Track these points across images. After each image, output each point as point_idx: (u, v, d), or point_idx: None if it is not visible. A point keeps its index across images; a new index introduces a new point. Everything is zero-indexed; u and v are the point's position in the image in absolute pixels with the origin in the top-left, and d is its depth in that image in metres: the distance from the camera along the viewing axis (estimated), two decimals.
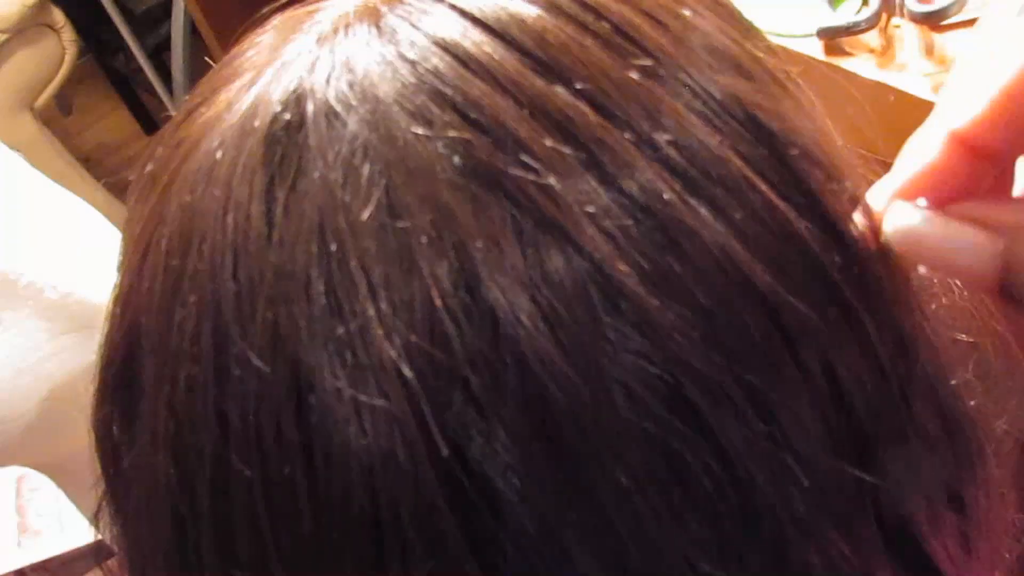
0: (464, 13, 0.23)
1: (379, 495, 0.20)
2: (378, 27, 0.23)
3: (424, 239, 0.20)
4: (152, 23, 1.96)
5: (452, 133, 0.21)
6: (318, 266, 0.20)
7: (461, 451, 0.19)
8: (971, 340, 0.28)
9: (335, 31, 0.24)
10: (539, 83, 0.22)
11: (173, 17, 1.78)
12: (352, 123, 0.21)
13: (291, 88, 0.23)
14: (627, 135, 0.21)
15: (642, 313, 0.20)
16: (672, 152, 0.21)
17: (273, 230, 0.21)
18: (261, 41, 0.26)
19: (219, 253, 0.22)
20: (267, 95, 0.23)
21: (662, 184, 0.21)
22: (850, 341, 0.22)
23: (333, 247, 0.20)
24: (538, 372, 0.19)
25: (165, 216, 0.24)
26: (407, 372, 0.19)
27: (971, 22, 0.64)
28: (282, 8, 0.29)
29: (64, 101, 2.10)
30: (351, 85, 0.22)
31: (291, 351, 0.20)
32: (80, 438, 0.31)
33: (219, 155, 0.23)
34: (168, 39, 1.84)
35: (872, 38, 0.68)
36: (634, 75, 0.22)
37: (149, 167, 0.26)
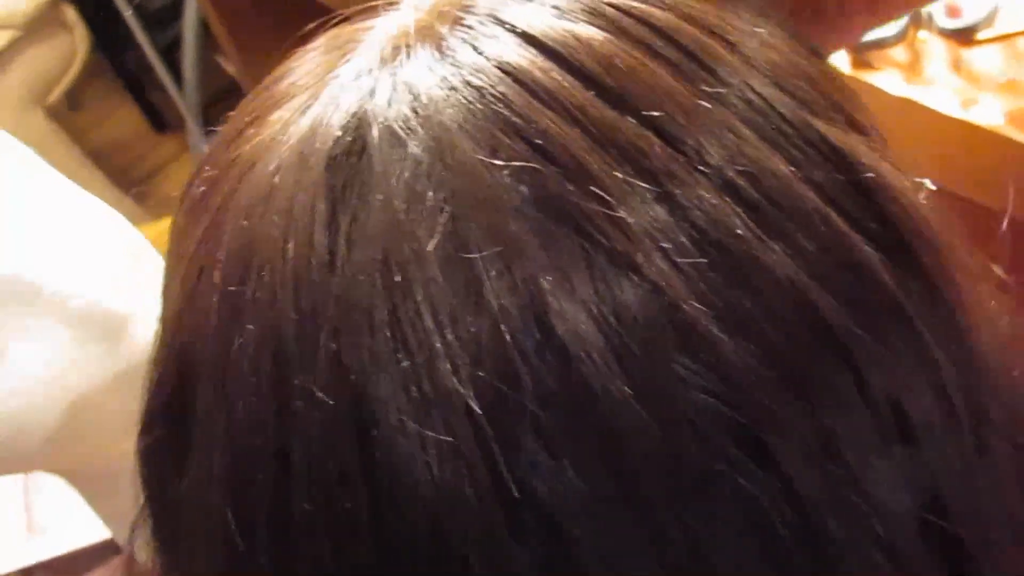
0: (529, 38, 0.22)
1: (446, 534, 0.19)
2: (440, 50, 0.23)
3: (492, 272, 0.20)
4: (163, 21, 1.96)
5: (520, 163, 0.20)
6: (382, 297, 0.20)
7: (530, 489, 0.19)
8: None
9: (395, 53, 0.23)
10: (608, 113, 0.21)
11: (184, 16, 1.78)
12: (416, 149, 0.21)
13: (351, 111, 0.22)
14: (698, 166, 0.21)
15: (714, 351, 0.20)
16: (743, 183, 0.21)
17: (336, 259, 0.21)
18: (311, 60, 0.26)
19: (280, 281, 0.21)
20: (326, 118, 0.23)
21: (734, 217, 0.20)
22: (919, 374, 0.22)
23: (398, 278, 0.20)
24: (608, 409, 0.19)
25: (220, 239, 0.23)
26: (475, 407, 0.19)
27: (1002, 38, 0.63)
28: (324, 23, 0.28)
29: (75, 98, 2.10)
30: (415, 110, 0.22)
31: (355, 384, 0.20)
32: (103, 446, 0.30)
33: (277, 179, 0.22)
34: (179, 38, 1.84)
35: (899, 53, 0.68)
36: (704, 103, 0.22)
37: (199, 188, 0.25)
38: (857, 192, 0.22)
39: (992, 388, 0.24)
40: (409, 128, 0.21)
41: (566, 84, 0.21)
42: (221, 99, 1.98)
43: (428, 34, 0.23)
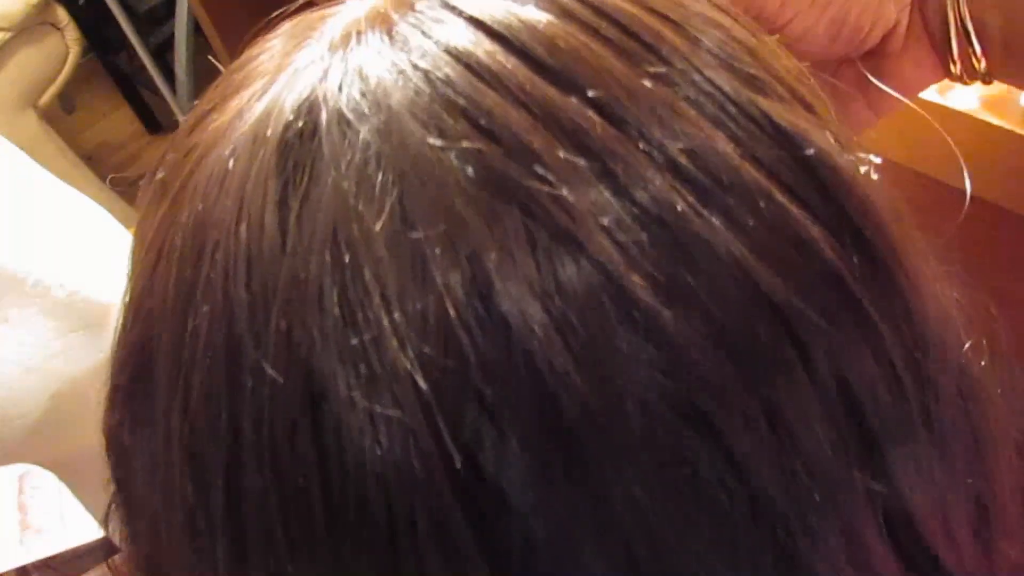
0: (475, 21, 0.23)
1: (394, 505, 0.20)
2: (390, 35, 0.23)
3: (437, 249, 0.20)
4: (155, 22, 1.96)
5: (465, 143, 0.21)
6: (331, 276, 0.20)
7: (475, 462, 0.20)
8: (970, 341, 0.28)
9: (347, 38, 0.24)
10: (551, 92, 0.21)
11: (176, 16, 1.78)
12: (365, 132, 0.21)
13: (304, 96, 0.23)
14: (640, 145, 0.21)
15: (655, 325, 0.20)
16: (685, 161, 0.21)
17: (286, 239, 0.21)
18: (272, 47, 0.26)
19: (232, 262, 0.22)
20: (279, 103, 0.23)
21: (675, 195, 0.21)
22: (863, 348, 0.22)
23: (346, 257, 0.20)
24: (551, 383, 0.19)
25: (177, 223, 0.23)
26: (421, 383, 0.19)
27: None
28: (291, 13, 0.29)
29: (67, 100, 2.10)
30: (364, 94, 0.22)
31: (305, 360, 0.20)
32: (86, 437, 0.31)
33: (231, 163, 0.23)
34: (171, 38, 1.84)
35: None
36: (647, 82, 0.22)
37: (160, 174, 0.26)
38: (800, 168, 0.22)
39: (942, 362, 0.24)
40: (358, 111, 0.22)
41: (510, 65, 0.22)
42: None
43: (380, 20, 0.24)
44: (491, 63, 0.22)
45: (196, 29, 1.73)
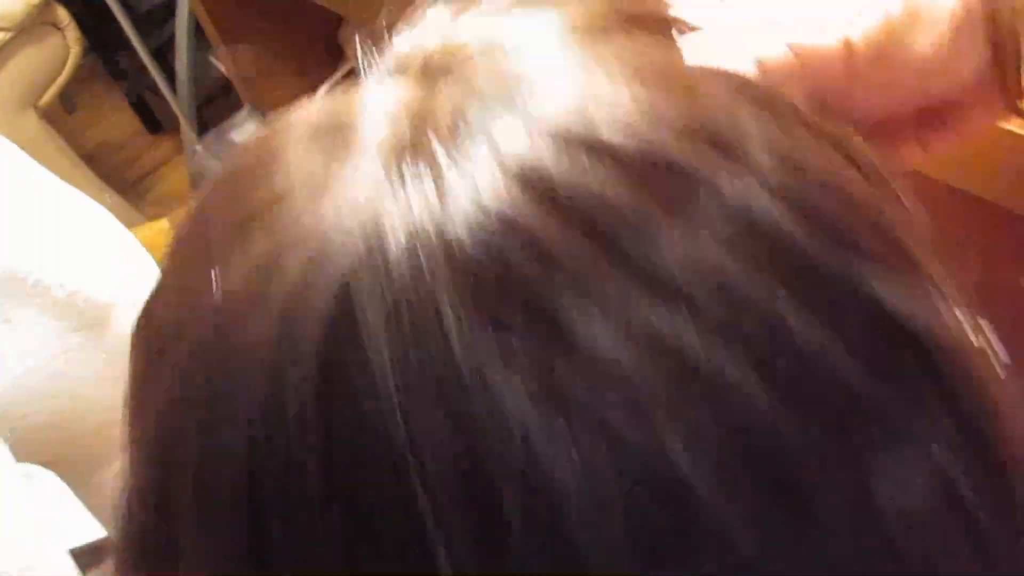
0: (528, 181, 0.20)
1: None
2: (437, 189, 0.21)
3: (503, 478, 0.19)
4: (156, 22, 1.96)
5: (518, 340, 0.19)
6: (385, 495, 0.19)
7: None
8: None
9: (389, 178, 0.21)
10: (623, 281, 0.19)
11: (176, 16, 1.78)
12: (409, 324, 0.19)
13: (342, 272, 0.20)
14: (730, 350, 0.19)
15: (715, 522, 0.19)
16: (775, 360, 0.19)
17: (332, 477, 0.20)
18: (295, 156, 0.23)
19: (267, 505, 0.20)
20: (313, 278, 0.21)
21: (765, 399, 0.19)
22: (960, 533, 0.21)
23: (401, 476, 0.19)
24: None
25: (190, 408, 0.22)
26: None
27: None
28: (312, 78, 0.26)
29: (68, 100, 2.10)
30: (411, 276, 0.20)
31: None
32: (88, 437, 0.30)
33: (259, 354, 0.21)
34: (172, 38, 1.84)
35: None
36: (725, 258, 0.20)
37: (167, 319, 0.24)
38: (894, 346, 0.21)
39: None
40: (403, 299, 0.20)
41: (574, 246, 0.20)
42: (215, 99, 1.98)
43: (423, 154, 0.21)
44: (554, 243, 0.20)
45: (196, 29, 1.72)
